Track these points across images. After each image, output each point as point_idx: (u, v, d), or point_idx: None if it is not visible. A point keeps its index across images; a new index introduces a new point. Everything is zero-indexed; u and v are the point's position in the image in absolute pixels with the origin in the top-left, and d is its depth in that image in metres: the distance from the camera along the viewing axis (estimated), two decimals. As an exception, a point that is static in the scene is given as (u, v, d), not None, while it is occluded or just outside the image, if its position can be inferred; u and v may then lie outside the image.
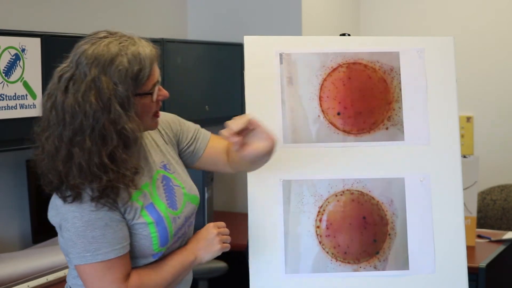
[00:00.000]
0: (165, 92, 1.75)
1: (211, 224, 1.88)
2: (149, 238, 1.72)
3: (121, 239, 1.68)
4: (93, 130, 1.60)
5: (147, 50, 1.68)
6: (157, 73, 1.72)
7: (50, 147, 1.63)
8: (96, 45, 1.64)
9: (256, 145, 1.77)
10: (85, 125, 1.60)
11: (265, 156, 1.83)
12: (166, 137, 1.91)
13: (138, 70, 1.65)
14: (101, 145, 1.61)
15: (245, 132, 1.75)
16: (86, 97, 1.60)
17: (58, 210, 1.68)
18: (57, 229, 1.73)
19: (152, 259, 1.76)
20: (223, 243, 1.87)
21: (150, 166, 1.80)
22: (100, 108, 1.60)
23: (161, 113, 1.94)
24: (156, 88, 1.72)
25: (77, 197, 1.63)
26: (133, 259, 1.74)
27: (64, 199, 1.65)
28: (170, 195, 1.81)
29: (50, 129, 1.64)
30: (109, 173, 1.61)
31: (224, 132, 1.74)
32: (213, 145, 1.96)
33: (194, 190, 1.90)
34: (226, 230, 1.89)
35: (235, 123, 1.73)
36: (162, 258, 1.79)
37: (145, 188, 1.75)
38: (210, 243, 1.85)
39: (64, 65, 1.67)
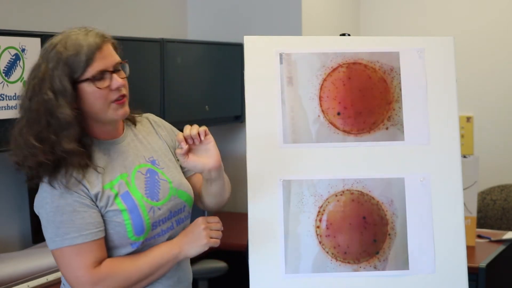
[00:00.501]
0: (118, 80, 1.75)
1: (200, 218, 1.85)
2: (123, 225, 1.75)
3: (89, 225, 1.71)
4: (30, 112, 1.71)
5: (90, 38, 1.73)
6: (105, 61, 1.74)
7: (12, 134, 1.75)
8: (52, 39, 1.75)
9: (199, 158, 1.82)
10: (26, 108, 1.72)
11: (206, 174, 1.85)
12: (164, 137, 1.94)
13: (72, 55, 1.70)
14: (33, 126, 1.70)
15: (197, 142, 1.81)
16: (29, 84, 1.73)
17: (37, 199, 1.77)
18: None
19: (131, 248, 1.78)
20: (212, 238, 1.83)
21: (132, 159, 1.84)
22: (36, 92, 1.70)
23: (164, 121, 1.99)
24: (107, 76, 1.73)
25: (33, 178, 1.74)
26: (112, 249, 1.77)
27: (28, 180, 1.76)
28: (152, 187, 1.83)
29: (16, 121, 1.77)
30: (39, 153, 1.68)
31: (179, 135, 1.79)
32: (199, 175, 1.97)
33: (184, 187, 1.91)
34: (218, 225, 1.85)
35: (191, 128, 1.80)
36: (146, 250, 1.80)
37: (122, 177, 1.79)
38: (196, 237, 1.82)
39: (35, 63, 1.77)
